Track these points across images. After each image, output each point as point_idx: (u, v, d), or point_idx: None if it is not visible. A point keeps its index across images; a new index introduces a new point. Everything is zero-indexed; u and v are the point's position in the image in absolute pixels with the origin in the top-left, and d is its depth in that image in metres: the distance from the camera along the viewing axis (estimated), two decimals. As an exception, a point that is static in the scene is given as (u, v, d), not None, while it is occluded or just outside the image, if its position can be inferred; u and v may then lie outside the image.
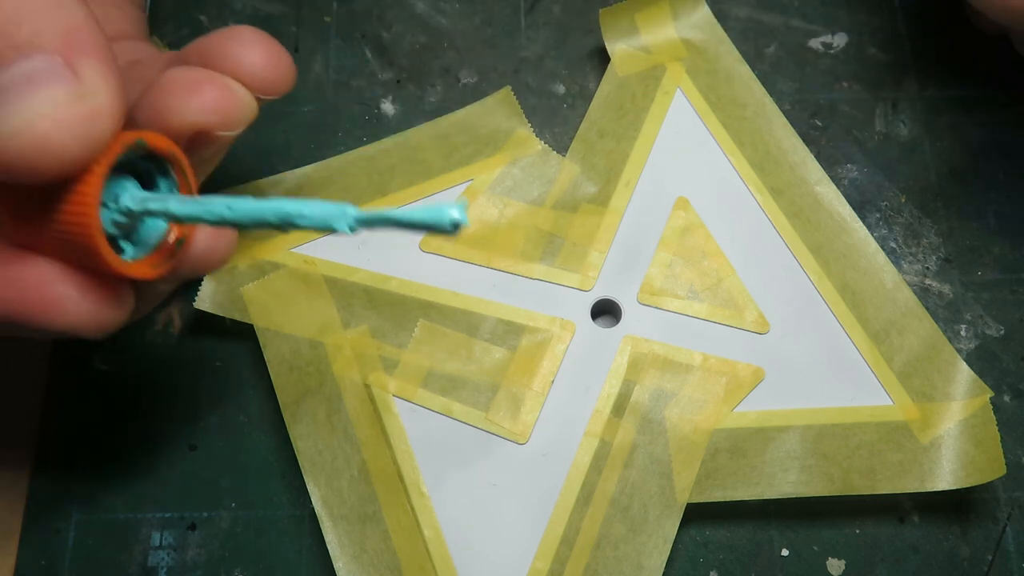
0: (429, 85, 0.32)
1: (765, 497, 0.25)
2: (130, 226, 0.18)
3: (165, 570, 0.26)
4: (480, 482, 0.25)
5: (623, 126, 0.29)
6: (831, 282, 0.27)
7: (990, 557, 0.26)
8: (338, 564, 0.24)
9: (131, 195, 0.18)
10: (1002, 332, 0.29)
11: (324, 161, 0.29)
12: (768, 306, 0.27)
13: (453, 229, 0.15)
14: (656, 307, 0.27)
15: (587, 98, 0.31)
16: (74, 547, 0.26)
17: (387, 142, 0.29)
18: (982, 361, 0.28)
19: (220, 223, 0.17)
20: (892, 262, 0.28)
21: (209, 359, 0.28)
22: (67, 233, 0.17)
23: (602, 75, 0.30)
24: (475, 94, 0.31)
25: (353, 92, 0.31)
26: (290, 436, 0.26)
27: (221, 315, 0.27)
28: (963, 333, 0.28)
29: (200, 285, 0.27)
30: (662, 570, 0.24)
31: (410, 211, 0.16)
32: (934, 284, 0.29)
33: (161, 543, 0.26)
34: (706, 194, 0.29)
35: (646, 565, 0.24)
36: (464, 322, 0.27)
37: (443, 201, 0.23)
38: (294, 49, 0.32)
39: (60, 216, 0.16)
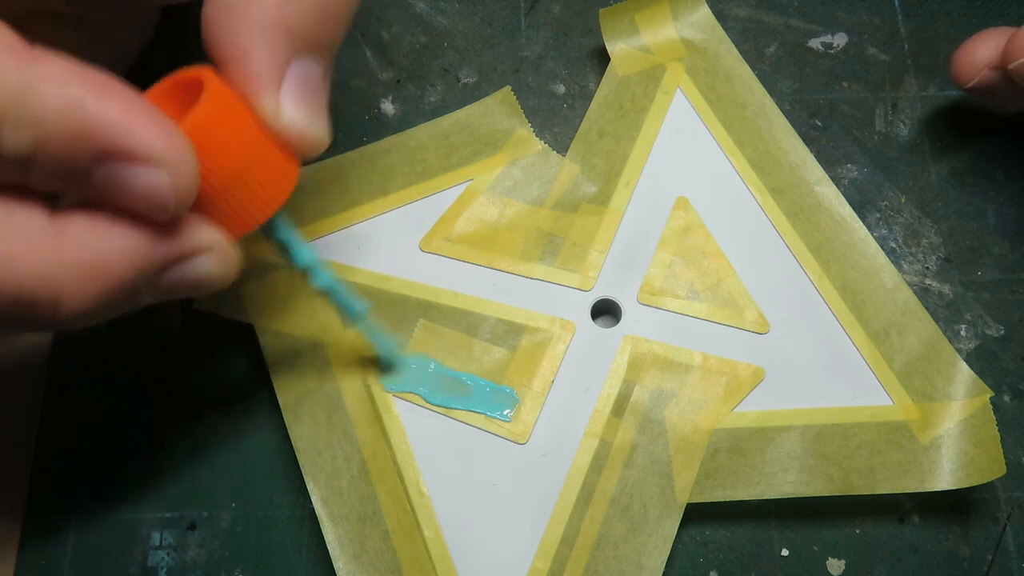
0: (429, 85, 0.32)
1: (765, 497, 0.25)
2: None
3: (165, 570, 0.26)
4: (480, 482, 0.25)
5: (623, 126, 0.29)
6: (831, 282, 0.27)
7: (990, 557, 0.26)
8: (338, 564, 0.24)
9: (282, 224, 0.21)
10: (1002, 332, 0.29)
11: (324, 161, 0.29)
12: (768, 306, 0.27)
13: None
14: (656, 307, 0.27)
15: (587, 98, 0.31)
16: (74, 547, 0.26)
17: (387, 142, 0.29)
18: (982, 361, 0.28)
19: (324, 289, 0.23)
20: (892, 262, 0.28)
21: (209, 359, 0.28)
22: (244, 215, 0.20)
23: (602, 75, 0.30)
24: (475, 94, 0.31)
25: (353, 92, 0.31)
26: (290, 436, 0.26)
27: (221, 315, 0.27)
28: (963, 333, 0.28)
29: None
30: (662, 570, 0.24)
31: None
32: (934, 284, 0.29)
33: (161, 543, 0.26)
34: (706, 194, 0.29)
35: (646, 565, 0.24)
36: (464, 322, 0.27)
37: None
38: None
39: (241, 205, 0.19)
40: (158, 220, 0.17)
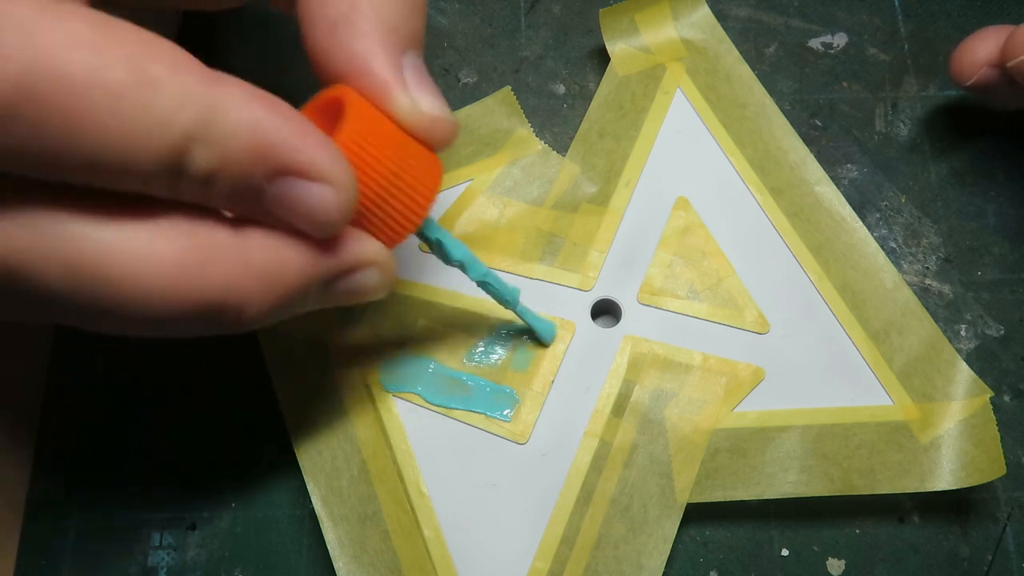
0: (429, 85, 0.32)
1: (765, 497, 0.25)
2: None
3: (165, 570, 0.26)
4: (480, 482, 0.25)
5: (623, 126, 0.29)
6: (831, 282, 0.27)
7: (990, 557, 0.26)
8: (338, 564, 0.24)
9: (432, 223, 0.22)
10: (1002, 332, 0.29)
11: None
12: (768, 306, 0.27)
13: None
14: (656, 307, 0.27)
15: (587, 98, 0.31)
16: (74, 547, 0.26)
17: (387, 142, 0.29)
18: (982, 361, 0.28)
19: (479, 281, 0.24)
20: (892, 262, 0.28)
21: (209, 360, 0.28)
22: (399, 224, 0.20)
23: (602, 75, 0.30)
24: (475, 94, 0.31)
25: (353, 92, 0.31)
26: (290, 436, 0.26)
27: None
28: (963, 333, 0.28)
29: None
30: (662, 570, 0.24)
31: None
32: (934, 284, 0.29)
33: (161, 543, 0.26)
34: (706, 194, 0.29)
35: (646, 565, 0.24)
36: (464, 322, 0.27)
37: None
38: (293, 48, 0.32)
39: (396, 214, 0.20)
40: (319, 236, 0.18)
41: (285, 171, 0.17)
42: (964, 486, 0.25)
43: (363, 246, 0.20)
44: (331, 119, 0.19)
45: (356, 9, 0.19)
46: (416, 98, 0.19)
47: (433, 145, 0.20)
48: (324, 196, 0.17)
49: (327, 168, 0.17)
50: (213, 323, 0.18)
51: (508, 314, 0.27)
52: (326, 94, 0.19)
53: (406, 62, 0.19)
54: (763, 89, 0.30)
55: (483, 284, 0.24)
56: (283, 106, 0.17)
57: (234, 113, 0.16)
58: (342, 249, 0.19)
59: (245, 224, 0.18)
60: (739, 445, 0.26)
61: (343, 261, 0.19)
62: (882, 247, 0.28)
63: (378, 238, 0.20)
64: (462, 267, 0.23)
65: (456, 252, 0.23)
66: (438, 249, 0.22)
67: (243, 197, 0.17)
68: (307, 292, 0.19)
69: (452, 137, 0.20)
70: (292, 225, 0.18)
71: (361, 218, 0.19)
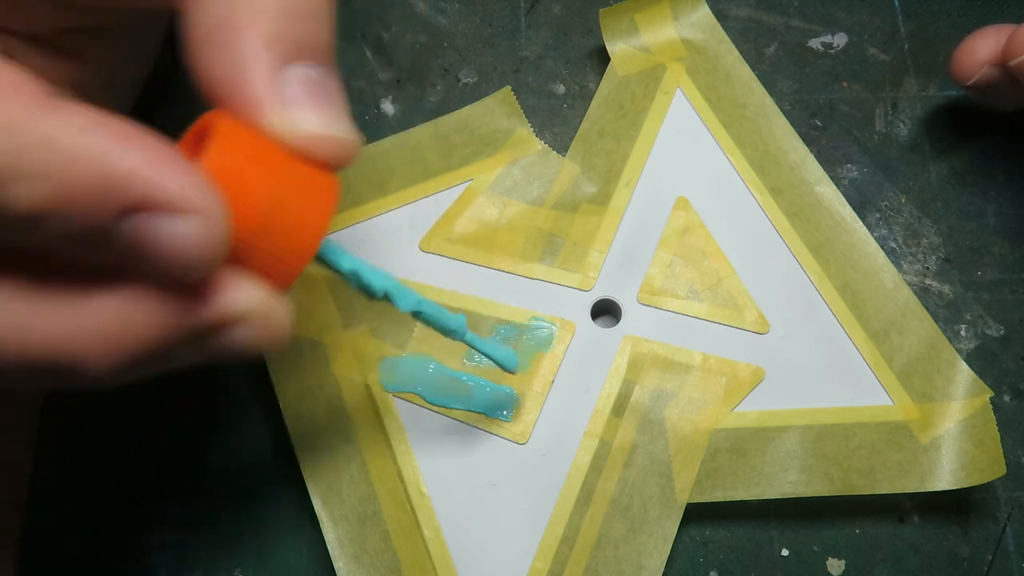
0: (429, 85, 0.32)
1: (765, 497, 0.25)
2: None
3: (165, 570, 0.26)
4: (480, 482, 0.25)
5: (623, 126, 0.29)
6: (831, 282, 0.27)
7: (990, 557, 0.26)
8: (338, 564, 0.24)
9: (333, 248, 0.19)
10: (1002, 332, 0.29)
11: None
12: (768, 306, 0.27)
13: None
14: (656, 307, 0.27)
15: (587, 98, 0.31)
16: (74, 547, 0.26)
17: (387, 142, 0.29)
18: (982, 361, 0.28)
19: (413, 312, 0.20)
20: (892, 262, 0.28)
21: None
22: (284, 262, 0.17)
23: (602, 75, 0.30)
24: (475, 94, 0.31)
25: (353, 92, 0.31)
26: (290, 436, 0.26)
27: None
28: (963, 333, 0.28)
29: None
30: (662, 570, 0.24)
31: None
32: (934, 284, 0.29)
33: (161, 543, 0.26)
34: (706, 194, 0.29)
35: (646, 565, 0.24)
36: (464, 322, 0.27)
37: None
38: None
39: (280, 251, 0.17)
40: (189, 280, 0.16)
41: (137, 206, 0.14)
42: (964, 486, 0.25)
43: (237, 294, 0.16)
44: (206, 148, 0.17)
45: (234, 15, 0.16)
46: (295, 115, 0.17)
47: (325, 165, 0.17)
48: (186, 231, 0.15)
49: (189, 197, 0.14)
50: (51, 381, 0.16)
51: (508, 315, 0.27)
52: (201, 121, 0.17)
53: (289, 75, 0.17)
54: (763, 89, 0.30)
55: (418, 315, 0.21)
56: (133, 132, 0.15)
57: (68, 142, 0.14)
58: (210, 299, 0.16)
59: (87, 275, 0.16)
60: (739, 445, 0.26)
61: (212, 314, 0.16)
62: (882, 247, 0.28)
63: (268, 279, 0.17)
64: (389, 299, 0.20)
65: (378, 282, 0.19)
66: (355, 281, 0.19)
67: (86, 240, 0.15)
68: (169, 350, 0.16)
69: (346, 155, 0.18)
70: (152, 270, 0.15)
71: (241, 256, 0.16)
